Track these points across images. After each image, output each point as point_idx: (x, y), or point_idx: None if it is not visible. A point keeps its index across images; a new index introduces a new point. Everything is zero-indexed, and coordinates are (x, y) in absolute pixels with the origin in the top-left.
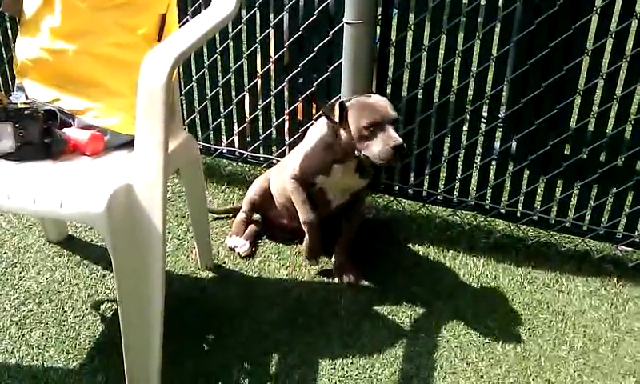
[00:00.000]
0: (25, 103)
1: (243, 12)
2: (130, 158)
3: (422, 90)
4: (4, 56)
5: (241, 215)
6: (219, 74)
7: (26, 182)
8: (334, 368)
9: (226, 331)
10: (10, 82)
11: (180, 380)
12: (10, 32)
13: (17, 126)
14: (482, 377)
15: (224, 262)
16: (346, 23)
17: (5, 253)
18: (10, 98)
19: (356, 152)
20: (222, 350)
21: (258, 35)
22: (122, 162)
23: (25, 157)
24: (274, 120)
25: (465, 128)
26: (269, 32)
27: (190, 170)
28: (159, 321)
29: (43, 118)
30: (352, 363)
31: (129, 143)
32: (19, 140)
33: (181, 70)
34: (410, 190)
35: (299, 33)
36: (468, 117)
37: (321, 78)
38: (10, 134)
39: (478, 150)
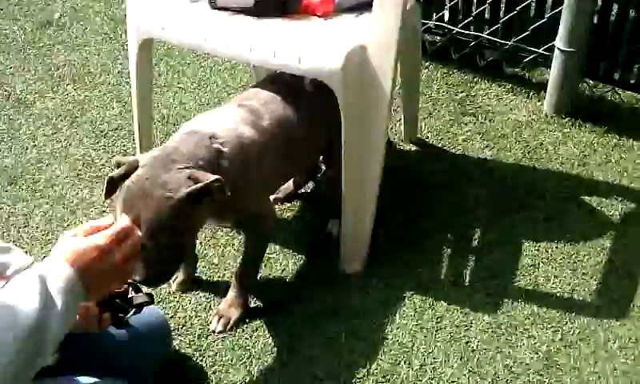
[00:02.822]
0: None
1: None
2: (359, 22)
3: None
4: None
5: None
6: None
7: (265, 37)
8: (538, 250)
9: (431, 200)
10: None
11: (384, 237)
12: None
13: None
14: None
15: (427, 137)
16: None
17: None
18: None
19: None
20: (426, 216)
21: None
22: (352, 24)
23: (261, 12)
24: None
25: None
26: None
27: (409, 37)
28: (377, 173)
29: None
30: (556, 248)
31: (356, 7)
32: None
33: None
34: (632, 80)
35: None
36: None
37: None
38: None
39: None
